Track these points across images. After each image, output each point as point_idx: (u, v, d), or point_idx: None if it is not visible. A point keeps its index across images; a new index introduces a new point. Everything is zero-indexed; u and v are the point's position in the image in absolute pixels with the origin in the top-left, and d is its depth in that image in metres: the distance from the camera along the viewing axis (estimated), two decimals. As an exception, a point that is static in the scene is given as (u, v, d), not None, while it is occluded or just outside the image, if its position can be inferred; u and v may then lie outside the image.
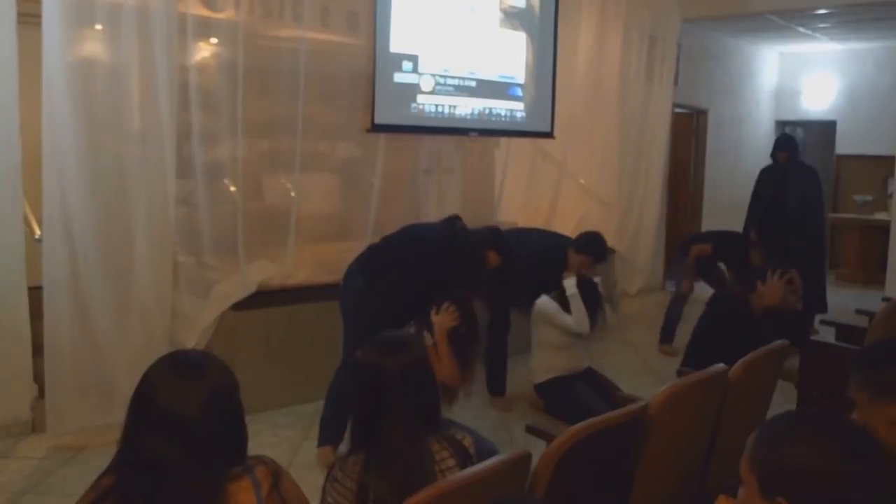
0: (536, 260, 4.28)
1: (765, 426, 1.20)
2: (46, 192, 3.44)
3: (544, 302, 4.11)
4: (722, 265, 5.48)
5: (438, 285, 3.17)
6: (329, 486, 1.73)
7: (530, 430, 2.53)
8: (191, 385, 1.46)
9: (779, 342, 2.80)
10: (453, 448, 1.77)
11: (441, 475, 1.72)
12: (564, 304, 4.03)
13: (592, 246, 4.29)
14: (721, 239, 5.53)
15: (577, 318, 4.00)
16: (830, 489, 1.09)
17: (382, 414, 1.73)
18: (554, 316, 4.05)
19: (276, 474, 1.52)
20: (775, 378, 2.81)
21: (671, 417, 2.21)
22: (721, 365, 2.45)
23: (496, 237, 3.66)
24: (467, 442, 1.81)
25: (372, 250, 3.57)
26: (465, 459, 1.77)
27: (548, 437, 2.34)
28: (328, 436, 3.42)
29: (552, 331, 4.09)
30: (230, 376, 1.55)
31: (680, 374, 3.62)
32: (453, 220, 3.54)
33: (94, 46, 3.59)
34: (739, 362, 2.53)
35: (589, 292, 4.04)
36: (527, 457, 1.75)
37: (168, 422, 1.43)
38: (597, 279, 4.14)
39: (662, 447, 2.23)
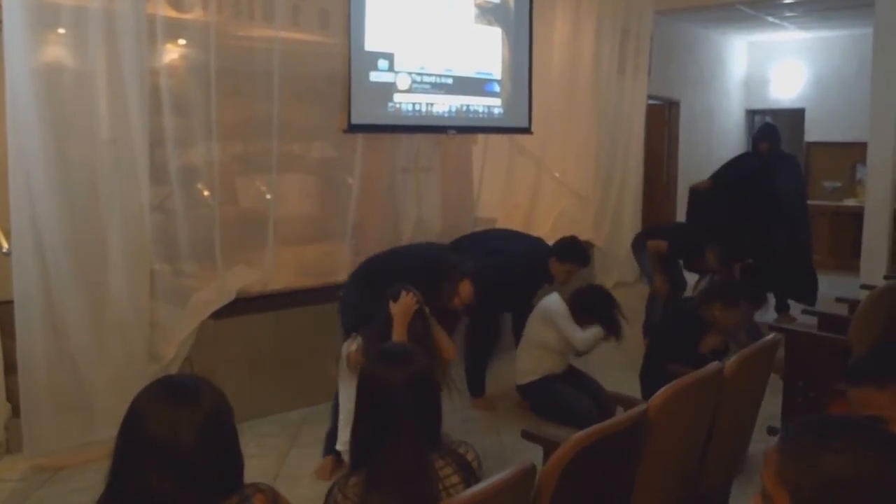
0: (511, 267, 4.19)
1: (791, 437, 1.14)
2: (14, 204, 3.31)
3: (555, 304, 4.02)
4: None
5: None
6: (329, 510, 1.67)
7: (526, 435, 2.47)
8: (184, 413, 1.38)
9: (771, 336, 2.79)
10: (457, 464, 1.72)
11: (445, 493, 1.67)
12: (575, 311, 3.96)
13: (574, 253, 4.21)
14: (676, 237, 5.37)
15: (586, 340, 3.95)
16: (874, 500, 1.05)
17: (385, 430, 1.67)
18: (565, 323, 3.96)
19: (276, 502, 1.46)
20: (768, 373, 2.80)
21: (670, 419, 2.18)
22: (716, 363, 2.44)
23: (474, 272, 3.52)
24: (470, 456, 1.76)
25: (365, 263, 3.68)
26: (468, 475, 1.72)
27: (545, 443, 2.31)
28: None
29: (552, 333, 4.03)
30: (224, 401, 1.48)
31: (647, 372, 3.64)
32: (447, 249, 3.62)
33: (59, 51, 3.46)
34: (734, 359, 2.52)
35: (604, 300, 3.98)
36: (531, 470, 1.70)
37: (161, 453, 1.35)
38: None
39: (662, 449, 2.20)
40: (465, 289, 3.42)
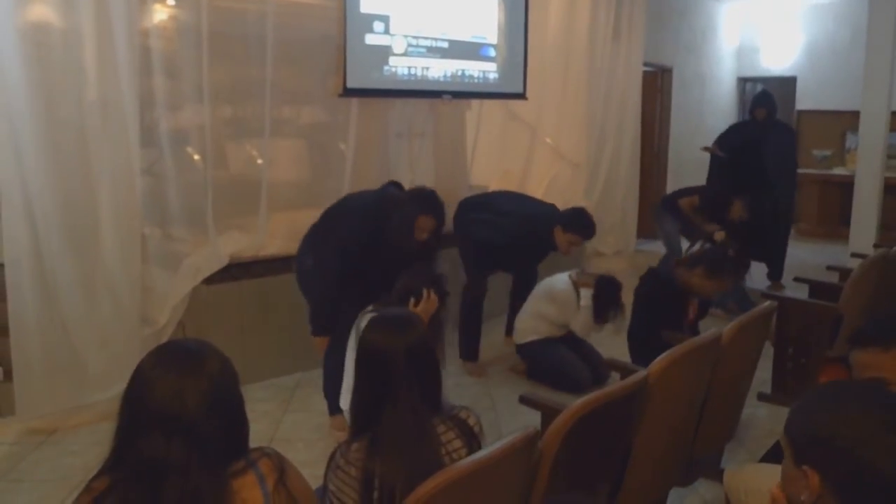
0: (521, 230, 4.15)
1: (805, 396, 1.20)
2: (2, 168, 3.25)
3: (563, 289, 4.06)
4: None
5: (375, 252, 3.19)
6: (331, 475, 1.66)
7: (524, 400, 2.48)
8: (189, 380, 1.37)
9: (768, 303, 2.81)
10: (459, 429, 1.72)
11: (448, 458, 1.67)
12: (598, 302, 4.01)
13: (579, 225, 4.12)
14: (705, 192, 5.64)
15: (583, 326, 4.01)
16: (860, 459, 1.09)
17: (387, 396, 1.66)
18: (567, 308, 4.02)
19: (281, 467, 1.46)
20: (763, 340, 2.82)
21: (669, 386, 2.20)
22: (715, 329, 2.45)
23: (425, 200, 3.32)
24: (472, 421, 1.76)
25: (313, 227, 3.53)
26: (471, 440, 1.72)
27: (544, 409, 2.32)
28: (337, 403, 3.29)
29: (554, 310, 4.08)
30: (229, 367, 1.48)
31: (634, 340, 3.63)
32: (387, 186, 3.45)
33: (46, 9, 3.36)
34: (731, 325, 2.53)
35: (610, 294, 3.99)
36: (535, 435, 1.71)
37: (167, 420, 1.34)
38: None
39: (660, 415, 2.22)
40: (425, 221, 3.24)
